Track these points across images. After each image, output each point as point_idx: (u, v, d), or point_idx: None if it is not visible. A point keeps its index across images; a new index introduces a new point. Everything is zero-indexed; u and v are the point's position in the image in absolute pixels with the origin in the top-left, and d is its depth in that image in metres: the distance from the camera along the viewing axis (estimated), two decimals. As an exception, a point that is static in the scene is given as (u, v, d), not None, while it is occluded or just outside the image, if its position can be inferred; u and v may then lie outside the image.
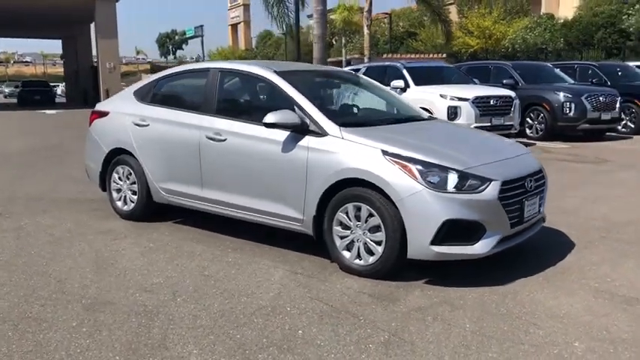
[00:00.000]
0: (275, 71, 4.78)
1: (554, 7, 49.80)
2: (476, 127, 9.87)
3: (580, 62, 17.95)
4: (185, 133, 5.07)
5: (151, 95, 5.65)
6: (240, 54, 79.50)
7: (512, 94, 11.71)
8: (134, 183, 5.56)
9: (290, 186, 4.38)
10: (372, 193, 3.95)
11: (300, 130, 4.33)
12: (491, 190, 3.84)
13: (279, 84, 4.65)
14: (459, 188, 3.80)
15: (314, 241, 4.39)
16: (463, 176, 3.82)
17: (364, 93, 5.58)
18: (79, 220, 5.73)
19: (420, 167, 3.83)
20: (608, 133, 13.21)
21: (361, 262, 4.06)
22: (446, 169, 3.83)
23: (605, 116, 12.58)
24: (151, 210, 5.54)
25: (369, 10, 21.12)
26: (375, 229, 3.97)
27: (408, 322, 3.34)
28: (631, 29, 33.58)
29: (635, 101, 13.67)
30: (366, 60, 20.38)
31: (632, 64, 16.72)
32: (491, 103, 11.30)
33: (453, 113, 11.28)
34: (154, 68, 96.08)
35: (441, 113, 10.81)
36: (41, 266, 4.36)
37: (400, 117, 5.07)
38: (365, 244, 4.04)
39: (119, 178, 5.72)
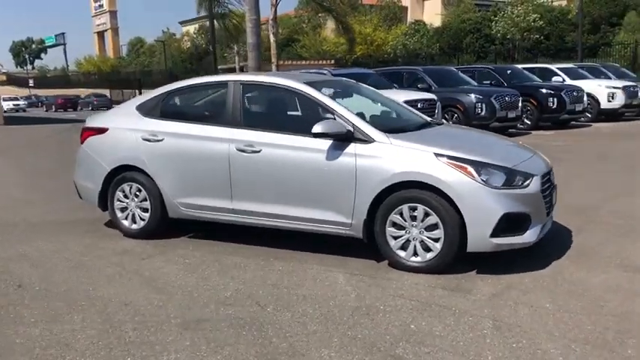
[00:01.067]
0: (306, 82, 4.94)
1: (419, 14, 53.28)
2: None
3: (479, 66, 19.59)
4: (210, 146, 5.05)
5: (160, 110, 5.52)
6: (112, 63, 76.11)
7: (434, 97, 12.59)
8: (144, 200, 5.40)
9: (337, 192, 4.56)
10: (428, 193, 4.26)
11: (345, 138, 4.53)
12: (534, 185, 4.32)
13: (314, 95, 4.82)
14: (509, 184, 4.23)
15: (345, 243, 4.62)
16: (511, 173, 4.26)
17: (371, 101, 5.86)
18: (83, 243, 5.44)
19: (475, 167, 4.21)
20: (510, 130, 14.59)
21: (418, 259, 4.36)
22: (498, 168, 4.24)
23: (511, 114, 13.92)
24: (165, 226, 5.42)
25: (274, 19, 21.40)
26: (432, 227, 4.28)
27: (497, 307, 3.69)
28: (498, 35, 36.84)
29: (530, 100, 15.20)
30: (273, 68, 20.61)
31: (520, 66, 18.59)
32: (419, 106, 12.04)
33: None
34: (12, 79, 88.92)
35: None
36: (91, 292, 4.16)
37: (419, 122, 5.42)
38: (422, 242, 4.33)
39: (124, 196, 5.51)
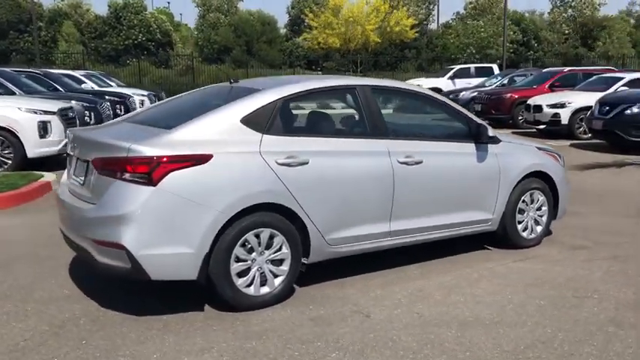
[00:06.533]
0: (426, 88, 4.79)
1: None
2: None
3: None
4: (371, 163, 4.19)
5: (280, 123, 3.93)
6: None
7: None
8: (278, 250, 3.83)
9: (486, 191, 4.86)
10: (539, 180, 5.23)
11: (493, 141, 4.87)
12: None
13: (445, 101, 4.80)
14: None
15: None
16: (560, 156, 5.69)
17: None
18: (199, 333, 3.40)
19: (559, 155, 5.46)
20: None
21: (532, 236, 5.26)
22: (560, 156, 5.58)
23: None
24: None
25: None
26: (540, 207, 5.27)
27: (626, 248, 5.22)
28: None
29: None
30: None
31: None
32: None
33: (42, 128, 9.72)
34: None
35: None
36: None
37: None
38: (535, 220, 5.26)
39: (248, 251, 3.71)
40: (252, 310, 3.76)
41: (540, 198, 5.23)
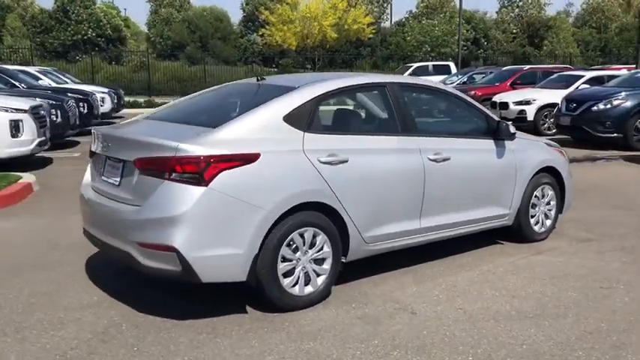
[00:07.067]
0: (448, 85, 4.83)
1: None
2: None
3: None
4: (404, 160, 4.20)
5: (317, 120, 3.88)
6: None
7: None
8: (320, 249, 3.80)
9: (504, 187, 4.97)
10: (549, 175, 5.37)
11: (509, 137, 4.96)
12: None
13: (465, 98, 4.85)
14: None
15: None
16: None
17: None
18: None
19: (563, 151, 5.62)
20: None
21: (543, 230, 5.40)
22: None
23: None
24: (334, 278, 4.02)
25: None
26: (549, 201, 5.42)
27: (630, 239, 5.43)
28: None
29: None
30: None
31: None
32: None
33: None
34: None
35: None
36: None
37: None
38: (545, 214, 5.40)
39: (293, 251, 3.66)
40: (297, 311, 3.71)
41: (550, 193, 5.38)
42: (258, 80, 4.43)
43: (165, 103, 23.52)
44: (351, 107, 4.75)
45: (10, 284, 4.22)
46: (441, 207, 4.51)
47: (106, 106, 17.75)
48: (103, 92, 18.11)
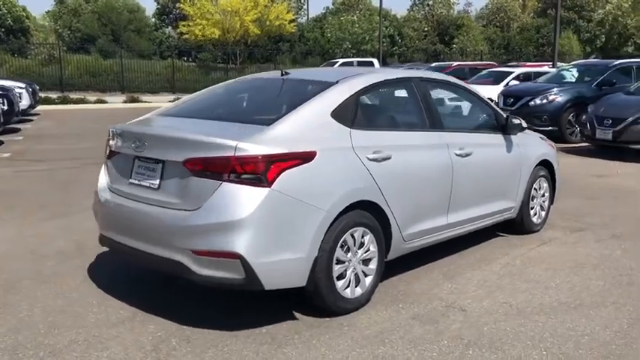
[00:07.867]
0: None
1: None
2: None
3: None
4: (435, 156, 4.17)
5: (360, 116, 3.73)
6: None
7: None
8: (368, 250, 3.68)
9: (512, 180, 5.06)
10: (544, 168, 5.54)
11: (520, 130, 5.06)
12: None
13: (478, 93, 4.88)
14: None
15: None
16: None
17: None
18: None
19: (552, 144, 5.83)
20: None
21: (539, 221, 5.55)
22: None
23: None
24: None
25: None
26: (544, 193, 5.59)
27: (616, 228, 5.71)
28: None
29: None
30: None
31: None
32: None
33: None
34: None
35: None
36: None
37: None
38: (540, 206, 5.56)
39: (346, 252, 3.51)
40: (349, 313, 3.58)
41: (544, 185, 5.55)
42: (282, 75, 4.22)
43: (81, 98, 22.25)
44: (385, 102, 4.65)
45: (12, 302, 3.77)
46: (464, 202, 4.51)
47: (24, 102, 16.48)
48: (21, 87, 16.80)
